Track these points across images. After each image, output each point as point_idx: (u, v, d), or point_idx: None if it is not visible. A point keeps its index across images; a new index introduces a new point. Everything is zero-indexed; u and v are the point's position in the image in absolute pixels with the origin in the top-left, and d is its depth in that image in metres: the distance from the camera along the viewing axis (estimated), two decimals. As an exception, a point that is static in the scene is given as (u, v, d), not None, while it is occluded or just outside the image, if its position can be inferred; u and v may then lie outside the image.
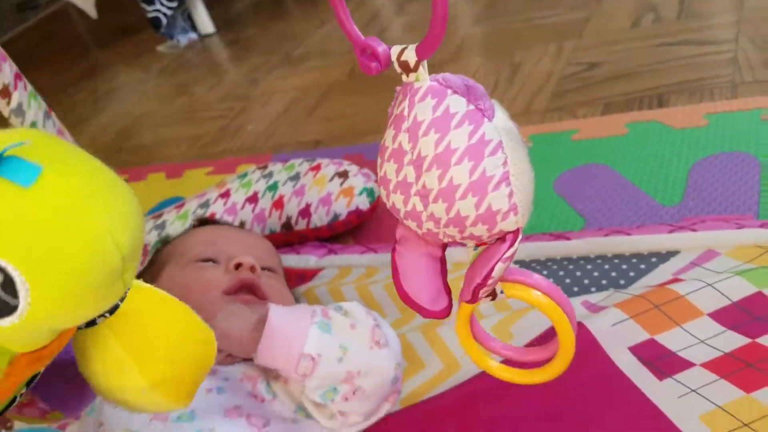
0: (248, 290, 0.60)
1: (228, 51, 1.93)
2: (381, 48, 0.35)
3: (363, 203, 0.85)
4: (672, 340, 0.53)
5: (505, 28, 1.38)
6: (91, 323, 0.35)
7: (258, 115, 1.42)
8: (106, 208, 0.29)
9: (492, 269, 0.35)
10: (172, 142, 1.44)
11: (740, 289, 0.53)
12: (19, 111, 0.82)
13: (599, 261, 0.65)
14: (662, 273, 0.61)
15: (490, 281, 0.36)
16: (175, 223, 0.85)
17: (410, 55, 0.34)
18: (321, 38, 1.71)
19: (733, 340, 0.50)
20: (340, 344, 0.51)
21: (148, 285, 0.39)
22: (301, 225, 0.85)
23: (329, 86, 1.43)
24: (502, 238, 0.35)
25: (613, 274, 0.63)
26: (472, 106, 0.34)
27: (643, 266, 0.62)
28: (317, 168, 0.88)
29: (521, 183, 0.34)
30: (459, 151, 0.33)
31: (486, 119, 0.34)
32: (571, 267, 0.65)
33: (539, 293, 0.37)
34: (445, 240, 0.37)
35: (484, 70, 1.24)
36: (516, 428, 0.54)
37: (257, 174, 0.90)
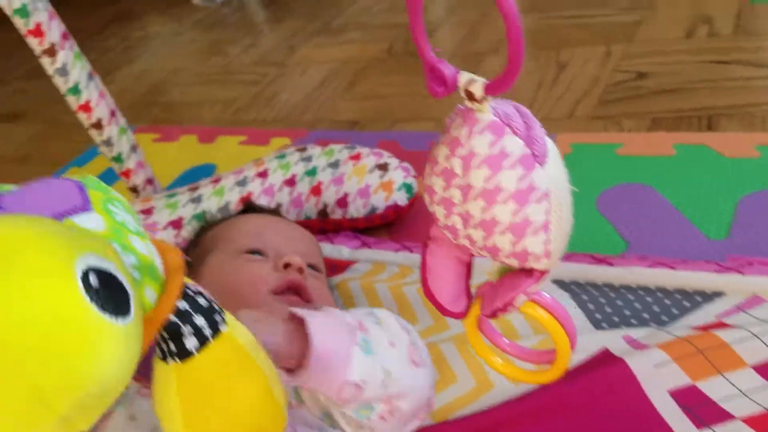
0: (295, 291, 0.60)
1: (265, 11, 1.90)
2: (449, 72, 0.36)
3: (401, 199, 0.84)
4: (713, 388, 0.53)
5: (552, 24, 1.35)
6: (163, 357, 0.33)
7: (293, 85, 1.41)
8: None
9: (513, 299, 0.38)
10: (205, 103, 1.43)
11: (788, 344, 0.53)
12: (64, 71, 0.81)
13: (641, 292, 0.64)
14: (706, 313, 0.60)
15: (509, 308, 0.39)
16: (211, 198, 0.85)
17: (478, 89, 0.35)
18: (361, 10, 1.68)
19: (777, 398, 0.50)
20: (382, 367, 0.49)
21: (238, 334, 0.35)
22: (338, 214, 0.85)
23: (367, 62, 1.41)
24: (529, 271, 0.37)
25: (656, 308, 0.63)
26: (528, 151, 0.35)
27: (687, 304, 0.62)
28: (357, 157, 0.87)
29: (559, 232, 0.35)
30: (506, 192, 0.35)
31: (538, 165, 0.35)
32: (612, 295, 0.65)
33: (543, 311, 0.39)
34: (477, 255, 0.39)
35: (528, 66, 1.22)
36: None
37: (296, 156, 0.90)
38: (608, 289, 0.66)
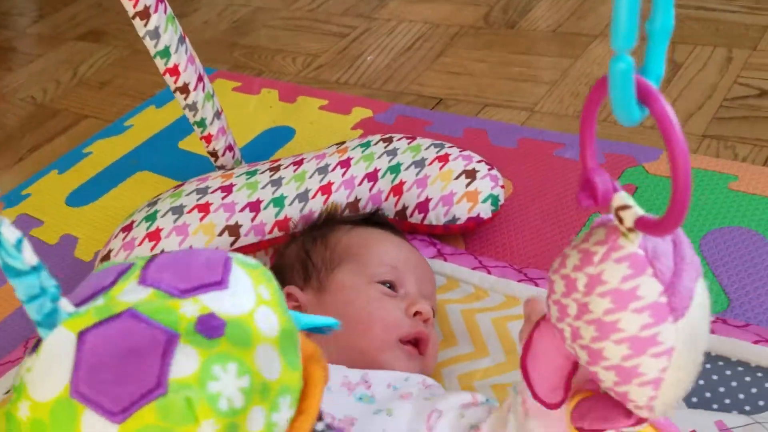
0: (416, 342, 0.62)
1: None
2: (603, 187, 0.31)
3: (485, 211, 0.79)
4: None
5: (669, 10, 1.23)
6: None
7: (379, 45, 1.34)
8: None
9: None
10: (288, 53, 1.38)
11: None
12: (155, 33, 0.77)
13: (740, 369, 0.59)
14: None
15: None
16: (291, 182, 0.82)
17: (628, 218, 0.30)
18: (459, -38, 1.58)
19: None
20: None
21: None
22: (416, 218, 0.81)
23: (459, 29, 1.33)
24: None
25: (754, 390, 0.58)
26: (664, 300, 0.30)
27: (790, 395, 0.57)
28: (445, 159, 0.82)
29: (670, 392, 0.32)
30: (623, 333, 0.31)
31: (670, 320, 0.30)
32: (708, 366, 0.60)
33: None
34: None
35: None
36: None
37: (380, 147, 0.85)
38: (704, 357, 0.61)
